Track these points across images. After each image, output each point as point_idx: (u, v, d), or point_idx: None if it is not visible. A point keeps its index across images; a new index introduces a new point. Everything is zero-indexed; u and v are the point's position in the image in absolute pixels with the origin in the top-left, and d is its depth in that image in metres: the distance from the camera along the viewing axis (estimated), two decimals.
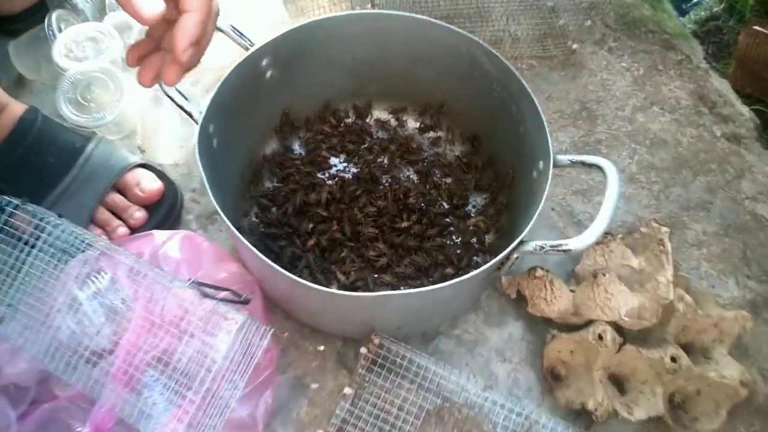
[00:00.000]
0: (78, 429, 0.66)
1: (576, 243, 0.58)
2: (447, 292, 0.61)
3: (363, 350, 0.66)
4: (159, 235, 0.68)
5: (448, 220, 0.80)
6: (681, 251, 0.82)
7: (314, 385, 0.72)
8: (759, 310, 0.78)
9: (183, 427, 0.59)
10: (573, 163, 0.65)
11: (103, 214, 0.76)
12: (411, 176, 0.84)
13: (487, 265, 0.59)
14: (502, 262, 0.61)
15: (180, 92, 0.66)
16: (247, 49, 0.72)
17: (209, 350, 0.60)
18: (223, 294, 0.64)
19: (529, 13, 0.96)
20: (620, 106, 0.93)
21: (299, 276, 0.72)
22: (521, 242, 0.61)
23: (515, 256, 0.61)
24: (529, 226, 0.61)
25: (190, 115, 0.66)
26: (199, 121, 0.65)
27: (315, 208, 0.78)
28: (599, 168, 0.63)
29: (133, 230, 0.77)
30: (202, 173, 0.62)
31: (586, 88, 0.94)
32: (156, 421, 0.61)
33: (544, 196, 0.63)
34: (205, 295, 0.56)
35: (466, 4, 0.91)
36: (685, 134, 0.91)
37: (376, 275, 0.76)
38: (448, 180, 0.83)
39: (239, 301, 0.60)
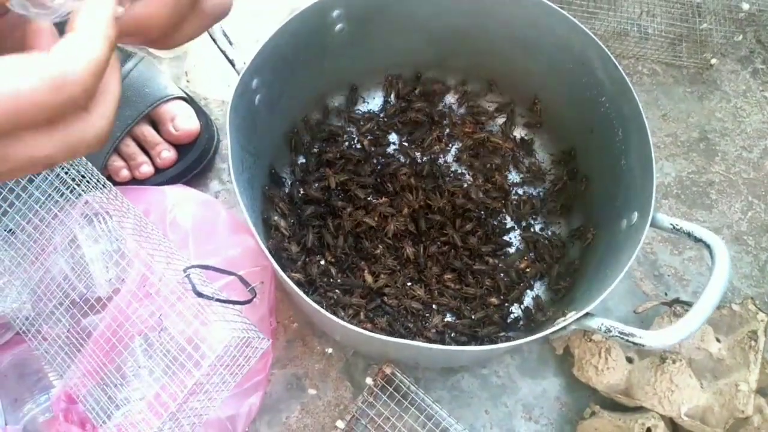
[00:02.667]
0: (52, 377, 0.61)
1: (653, 340, 0.46)
2: (475, 353, 0.50)
3: (369, 381, 0.58)
4: (172, 193, 0.59)
5: (507, 239, 0.69)
6: None
7: (312, 391, 0.64)
8: None
9: (155, 417, 0.52)
10: (676, 230, 0.52)
11: (130, 146, 0.68)
12: (477, 177, 0.71)
13: (532, 337, 0.48)
14: (555, 332, 0.50)
15: (225, 33, 0.55)
16: None
17: (201, 343, 0.53)
18: (230, 279, 0.57)
19: (668, 8, 0.79)
20: (748, 146, 0.77)
21: (320, 266, 0.64)
22: (586, 314, 0.49)
23: (573, 327, 0.50)
24: (599, 299, 0.49)
25: (232, 63, 0.56)
26: (241, 73, 0.55)
27: (359, 191, 0.68)
28: (707, 247, 0.50)
29: (158, 170, 0.69)
30: (229, 142, 0.52)
31: (713, 115, 0.78)
32: (129, 402, 0.55)
33: (629, 263, 0.51)
34: (198, 294, 0.48)
35: None
36: None
37: (409, 284, 0.66)
38: (521, 191, 0.71)
39: (239, 302, 0.51)
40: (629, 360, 0.64)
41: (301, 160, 0.70)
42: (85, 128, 0.28)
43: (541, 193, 0.71)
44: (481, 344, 0.61)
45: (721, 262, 0.48)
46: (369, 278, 0.65)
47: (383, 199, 0.69)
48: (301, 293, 0.49)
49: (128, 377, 0.56)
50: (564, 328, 0.50)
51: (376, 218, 0.67)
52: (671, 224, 0.52)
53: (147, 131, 0.69)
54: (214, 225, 0.60)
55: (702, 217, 0.73)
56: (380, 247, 0.67)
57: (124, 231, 0.59)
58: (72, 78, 0.26)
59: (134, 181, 0.69)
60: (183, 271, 0.49)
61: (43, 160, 0.27)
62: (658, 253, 0.71)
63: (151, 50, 0.76)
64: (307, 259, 0.65)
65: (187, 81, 0.76)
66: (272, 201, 0.66)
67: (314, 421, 0.63)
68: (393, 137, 0.73)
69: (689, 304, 0.63)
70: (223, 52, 0.55)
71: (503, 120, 0.73)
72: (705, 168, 0.75)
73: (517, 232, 0.69)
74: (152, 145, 0.69)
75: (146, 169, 0.68)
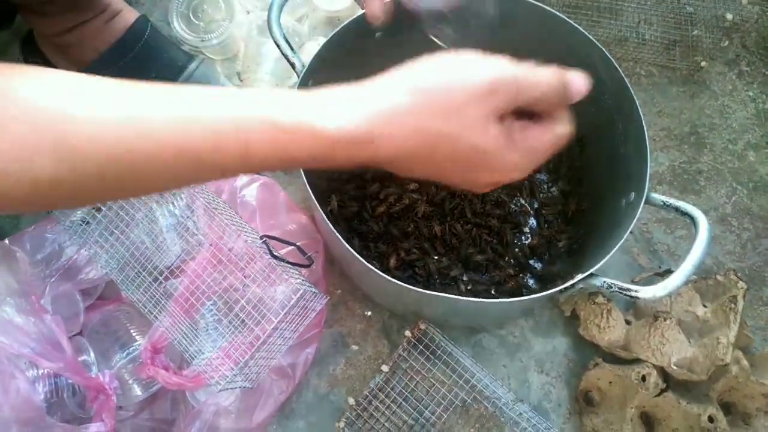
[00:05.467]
0: (134, 333, 0.72)
1: (646, 292, 0.56)
2: (498, 306, 0.61)
3: (407, 334, 0.68)
4: (241, 176, 0.70)
5: (522, 219, 0.79)
6: (753, 308, 0.78)
7: (354, 347, 0.74)
8: None
9: (229, 364, 0.63)
10: (666, 206, 0.62)
11: None
12: None
13: (547, 292, 0.59)
14: (566, 289, 0.61)
15: (288, 42, 0.66)
16: (363, 7, 0.70)
17: (267, 302, 0.63)
18: (289, 249, 0.67)
19: (663, 17, 0.89)
20: (733, 139, 0.87)
21: (359, 243, 0.75)
22: (591, 275, 0.60)
23: (581, 286, 0.60)
24: (603, 261, 0.59)
25: (293, 65, 0.66)
26: (300, 75, 0.65)
27: (392, 178, 0.78)
28: (692, 219, 0.60)
29: None
30: None
31: (702, 111, 0.88)
32: (204, 352, 0.65)
33: (627, 233, 0.61)
34: (273, 256, 0.58)
35: None
36: None
37: (435, 257, 0.76)
38: (534, 176, 0.81)
39: (303, 264, 0.62)
40: (627, 322, 0.74)
41: None
42: None
43: (548, 179, 0.81)
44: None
45: (702, 231, 0.58)
46: (402, 252, 0.76)
47: (413, 184, 0.79)
48: (355, 254, 0.59)
49: (204, 331, 0.66)
50: (573, 285, 0.60)
51: (407, 201, 0.77)
52: (662, 201, 0.62)
53: None
54: (275, 204, 0.70)
55: (691, 201, 0.83)
56: (411, 225, 0.77)
57: (196, 208, 0.70)
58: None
59: None
60: (260, 238, 0.59)
61: None
62: (653, 232, 0.81)
63: (207, 53, 0.87)
64: (349, 236, 0.76)
65: (240, 80, 0.86)
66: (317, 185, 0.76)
67: (357, 372, 0.73)
68: None
69: None
70: (286, 57, 0.66)
71: None
72: (695, 158, 0.86)
73: (531, 212, 0.80)
74: None
75: None
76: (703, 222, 0.59)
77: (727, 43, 0.88)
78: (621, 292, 0.58)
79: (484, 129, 0.40)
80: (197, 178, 0.40)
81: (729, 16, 0.82)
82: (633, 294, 0.57)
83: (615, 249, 0.59)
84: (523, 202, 0.80)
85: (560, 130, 0.46)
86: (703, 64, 0.89)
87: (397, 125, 0.39)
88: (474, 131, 0.40)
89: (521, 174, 0.44)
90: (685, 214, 0.61)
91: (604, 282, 0.59)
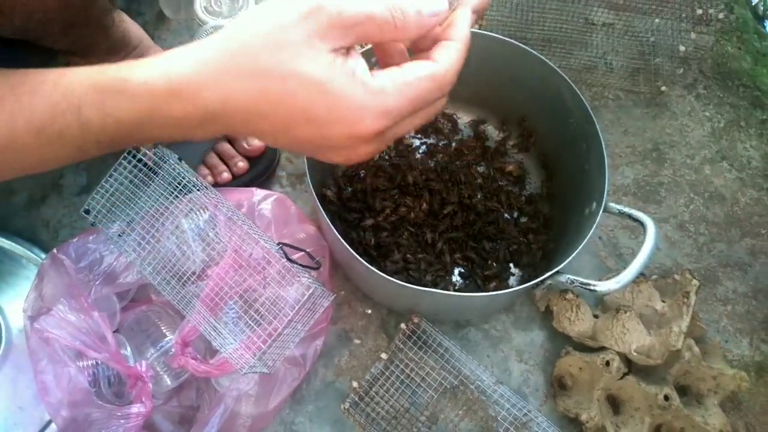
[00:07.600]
0: (164, 330, 0.82)
1: (603, 286, 0.67)
2: (481, 300, 0.71)
3: (403, 326, 0.79)
4: (258, 193, 0.81)
5: (501, 225, 0.90)
6: (707, 303, 0.89)
7: (357, 341, 0.85)
8: (764, 373, 0.86)
9: (250, 353, 0.73)
10: (621, 214, 0.73)
11: (213, 158, 0.90)
12: (479, 180, 0.93)
13: (521, 287, 0.69)
14: (536, 285, 0.71)
15: None
16: (362, 46, 0.81)
17: (282, 300, 0.73)
18: (300, 254, 0.78)
19: (629, 46, 1.00)
20: (691, 155, 0.98)
21: (360, 248, 0.85)
22: (556, 272, 0.70)
23: (548, 282, 0.71)
24: (566, 261, 0.70)
25: None
26: None
27: (389, 192, 0.89)
28: (642, 224, 0.71)
29: (235, 177, 0.90)
30: (306, 162, 0.73)
31: (664, 130, 0.99)
32: (228, 344, 0.76)
33: (588, 237, 0.71)
34: (288, 260, 0.69)
35: (571, 29, 0.97)
36: (745, 194, 0.96)
37: (427, 261, 0.87)
38: (511, 188, 0.92)
39: (313, 267, 0.72)
40: (596, 316, 0.85)
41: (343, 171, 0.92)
42: (441, 105, 0.43)
43: (524, 191, 0.92)
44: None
45: (650, 234, 0.69)
46: (398, 256, 0.86)
47: (408, 197, 0.90)
48: (357, 257, 0.69)
49: (227, 326, 0.77)
50: (543, 281, 0.70)
51: (401, 212, 0.88)
52: (618, 209, 0.73)
53: (225, 147, 0.90)
54: (288, 216, 0.81)
55: (653, 210, 0.94)
56: (405, 233, 0.88)
57: (218, 220, 0.80)
58: (450, 80, 0.40)
59: (216, 185, 0.90)
60: (277, 244, 0.70)
61: (411, 130, 0.41)
62: (618, 238, 0.92)
63: None
64: (351, 242, 0.86)
65: None
66: (324, 198, 0.87)
67: (359, 363, 0.83)
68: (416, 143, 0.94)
69: (641, 275, 0.84)
70: None
71: (501, 138, 0.95)
72: (656, 172, 0.97)
73: (511, 221, 0.90)
74: (230, 157, 0.90)
75: (226, 175, 0.90)
76: (650, 226, 0.70)
77: (682, 70, 0.99)
78: (582, 287, 0.68)
79: (310, 53, 0.35)
80: (60, 155, 0.41)
81: (681, 48, 0.94)
82: (591, 288, 0.67)
83: (578, 250, 0.70)
84: (503, 213, 0.91)
85: (430, 68, 0.39)
86: (663, 88, 1.00)
87: (220, 71, 0.36)
88: (299, 57, 0.35)
89: (387, 126, 0.37)
90: (636, 220, 0.72)
91: (568, 278, 0.69)
